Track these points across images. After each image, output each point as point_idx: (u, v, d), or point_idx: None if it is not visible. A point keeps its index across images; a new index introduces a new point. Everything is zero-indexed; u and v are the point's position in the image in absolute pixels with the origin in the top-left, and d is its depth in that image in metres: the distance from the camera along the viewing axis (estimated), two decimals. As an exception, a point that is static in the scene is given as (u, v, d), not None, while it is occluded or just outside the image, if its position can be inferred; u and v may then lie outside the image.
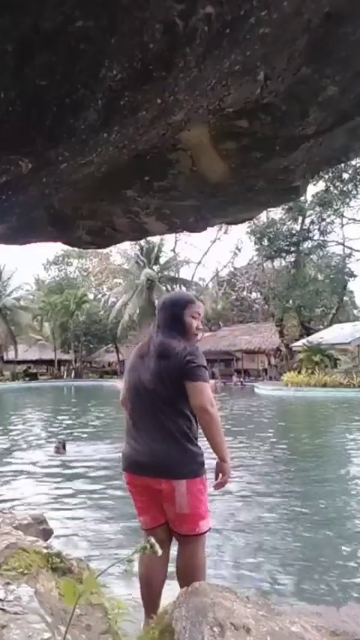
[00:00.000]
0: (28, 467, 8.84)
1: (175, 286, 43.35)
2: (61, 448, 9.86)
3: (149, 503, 2.41)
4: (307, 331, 36.29)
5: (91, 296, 48.57)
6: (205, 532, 2.41)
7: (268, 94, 1.77)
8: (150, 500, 2.40)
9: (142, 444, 2.39)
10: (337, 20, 1.59)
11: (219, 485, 2.42)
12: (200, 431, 2.40)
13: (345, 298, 42.44)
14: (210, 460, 2.42)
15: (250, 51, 1.45)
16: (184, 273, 51.77)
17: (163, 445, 2.32)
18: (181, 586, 2.20)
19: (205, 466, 2.41)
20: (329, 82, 1.81)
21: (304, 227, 35.76)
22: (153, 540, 1.39)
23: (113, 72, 1.24)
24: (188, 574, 2.30)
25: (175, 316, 2.49)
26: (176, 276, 44.69)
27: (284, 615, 1.79)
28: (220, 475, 2.40)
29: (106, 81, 1.25)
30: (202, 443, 2.40)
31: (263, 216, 33.94)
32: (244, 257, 69.23)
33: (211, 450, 2.41)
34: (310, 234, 35.91)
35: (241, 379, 36.14)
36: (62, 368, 46.71)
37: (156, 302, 38.97)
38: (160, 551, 1.38)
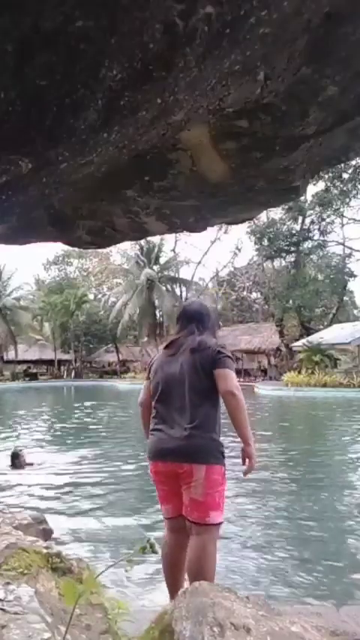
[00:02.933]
0: (28, 466, 8.83)
1: (175, 286, 43.34)
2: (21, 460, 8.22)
3: (172, 492, 2.53)
4: (307, 331, 36.32)
5: (91, 296, 48.58)
6: (217, 524, 2.45)
7: (268, 94, 1.77)
8: (172, 489, 2.52)
9: (170, 431, 2.51)
10: (337, 20, 1.59)
11: (247, 470, 2.51)
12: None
13: (345, 298, 42.46)
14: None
15: (250, 51, 1.45)
16: (184, 273, 51.70)
17: (190, 431, 2.45)
18: (190, 581, 2.33)
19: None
20: (329, 82, 1.81)
21: (304, 227, 35.79)
22: (153, 540, 1.39)
23: (113, 72, 1.24)
24: (197, 568, 2.37)
25: (213, 322, 2.83)
26: (176, 276, 44.65)
27: (284, 615, 1.79)
28: (247, 460, 2.49)
29: (106, 81, 1.25)
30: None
31: (263, 216, 33.98)
32: (244, 257, 69.23)
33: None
34: (310, 234, 35.95)
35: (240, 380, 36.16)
36: (62, 368, 46.71)
37: (156, 302, 39.31)
38: (159, 552, 1.38)
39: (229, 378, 2.47)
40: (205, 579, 2.23)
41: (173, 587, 2.51)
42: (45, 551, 2.09)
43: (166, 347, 2.78)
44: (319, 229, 35.63)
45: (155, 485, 2.64)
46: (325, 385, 25.59)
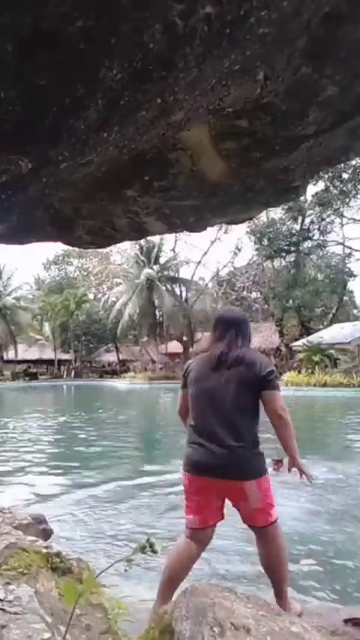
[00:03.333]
0: (28, 466, 8.84)
1: (175, 286, 43.32)
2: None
3: (205, 505, 2.59)
4: (307, 331, 36.32)
5: (91, 296, 48.57)
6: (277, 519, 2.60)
7: (268, 93, 1.77)
8: (207, 502, 2.58)
9: (213, 447, 2.52)
10: (337, 20, 1.59)
11: (309, 478, 2.65)
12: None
13: (345, 298, 42.46)
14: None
15: (250, 51, 1.44)
16: (184, 272, 51.67)
17: (236, 449, 2.50)
18: (271, 572, 2.59)
19: None
20: (329, 82, 1.81)
21: (303, 227, 35.80)
22: (152, 540, 1.39)
23: (113, 72, 1.24)
24: (275, 559, 2.58)
25: (250, 331, 2.86)
26: (176, 275, 44.63)
27: (284, 615, 1.79)
28: (296, 470, 2.63)
29: (106, 81, 1.25)
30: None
31: (263, 216, 33.99)
32: (244, 257, 69.16)
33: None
34: (310, 234, 35.97)
35: None
36: (62, 368, 46.70)
37: (156, 302, 39.26)
38: (158, 551, 1.38)
39: (278, 400, 2.56)
40: (284, 570, 2.60)
41: (167, 594, 2.52)
42: (45, 551, 2.09)
43: (207, 356, 2.73)
44: (318, 229, 35.67)
45: (187, 496, 2.66)
46: (325, 385, 25.60)
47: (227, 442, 2.50)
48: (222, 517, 2.66)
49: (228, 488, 2.54)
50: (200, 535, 2.63)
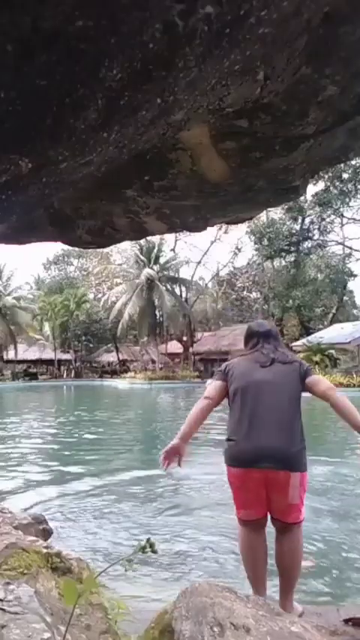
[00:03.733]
0: (28, 466, 8.84)
1: (175, 286, 43.34)
2: None
3: (255, 498, 2.63)
4: (307, 331, 36.32)
5: (91, 296, 48.58)
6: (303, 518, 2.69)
7: (268, 93, 1.77)
8: (257, 495, 2.62)
9: (261, 438, 2.59)
10: (337, 20, 1.59)
11: None
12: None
13: (345, 298, 42.49)
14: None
15: (250, 51, 1.44)
16: (184, 273, 51.71)
17: (286, 439, 2.59)
18: (286, 570, 2.65)
19: None
20: (329, 82, 1.81)
21: (303, 227, 35.81)
22: (152, 540, 1.39)
23: (113, 72, 1.24)
24: (294, 557, 2.65)
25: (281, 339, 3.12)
26: (176, 275, 44.65)
27: (284, 615, 1.79)
28: None
29: (106, 81, 1.25)
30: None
31: (263, 216, 33.99)
32: (244, 257, 69.14)
33: None
34: (310, 234, 35.99)
35: None
36: (62, 368, 46.71)
37: (156, 302, 39.27)
38: (158, 551, 1.38)
39: (323, 381, 2.82)
40: (298, 570, 2.68)
41: (259, 583, 2.67)
42: (45, 551, 2.09)
43: (253, 357, 2.88)
44: (318, 229, 35.67)
45: (237, 491, 2.69)
46: (324, 385, 25.58)
47: (277, 433, 2.58)
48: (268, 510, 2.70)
49: (273, 478, 2.55)
50: (255, 526, 2.69)
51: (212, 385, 2.90)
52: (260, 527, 2.70)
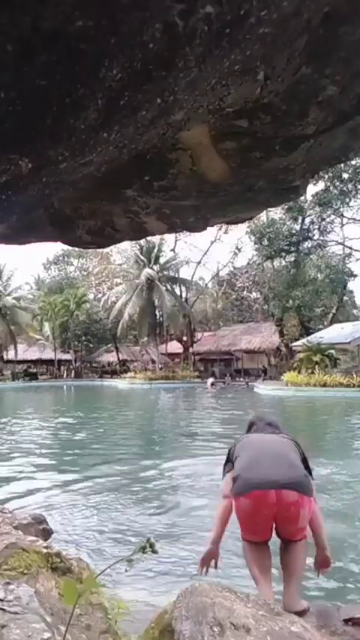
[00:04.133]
0: (28, 466, 8.84)
1: (175, 286, 43.33)
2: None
3: (265, 522, 2.69)
4: (307, 331, 36.32)
5: (91, 296, 48.59)
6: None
7: (268, 93, 1.77)
8: (267, 519, 2.68)
9: (269, 467, 2.71)
10: (337, 20, 1.59)
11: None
12: None
13: (345, 298, 42.48)
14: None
15: (250, 51, 1.44)
16: (184, 272, 51.74)
17: (295, 465, 2.74)
18: (291, 572, 2.70)
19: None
20: (329, 82, 1.81)
21: (303, 227, 35.77)
22: (152, 540, 1.39)
23: (113, 72, 1.24)
24: (299, 562, 2.72)
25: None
26: (176, 275, 44.64)
27: (284, 615, 1.79)
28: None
29: (106, 81, 1.25)
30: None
31: (263, 216, 33.96)
32: (244, 257, 69.15)
33: None
34: (310, 234, 35.94)
35: (247, 380, 35.97)
36: (62, 368, 46.71)
37: (156, 302, 39.25)
38: (158, 551, 1.39)
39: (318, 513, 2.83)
40: (302, 569, 2.75)
41: (266, 584, 2.71)
42: (45, 551, 2.09)
43: (251, 435, 3.14)
44: (318, 229, 35.63)
45: (249, 519, 2.72)
46: (325, 385, 25.60)
47: (287, 463, 2.72)
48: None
49: (289, 501, 2.60)
50: (264, 546, 2.79)
51: (225, 481, 2.92)
52: (265, 544, 2.78)
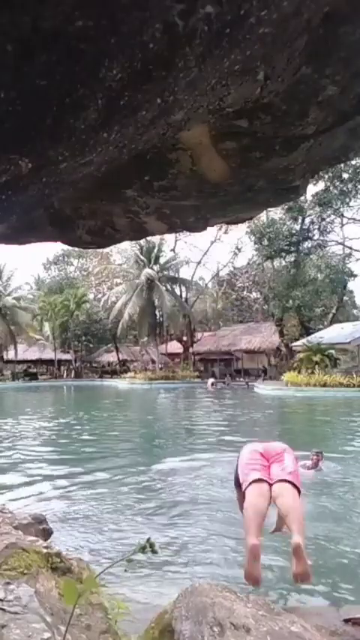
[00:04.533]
0: (28, 466, 8.84)
1: (175, 286, 43.32)
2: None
3: (265, 467, 3.45)
4: (307, 331, 36.34)
5: (91, 296, 48.57)
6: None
7: (268, 93, 1.77)
8: (266, 465, 3.47)
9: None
10: (337, 20, 1.59)
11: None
12: None
13: (345, 298, 42.49)
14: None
15: (250, 51, 1.44)
16: (184, 272, 51.72)
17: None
18: (294, 521, 3.06)
19: None
20: (329, 82, 1.81)
21: (303, 227, 35.78)
22: (152, 540, 1.39)
23: (113, 72, 1.24)
24: (298, 511, 3.15)
25: None
26: (176, 275, 44.63)
27: (284, 615, 1.79)
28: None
29: (106, 81, 1.25)
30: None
31: (263, 216, 33.97)
32: (244, 257, 69.11)
33: None
34: (310, 234, 35.94)
35: (247, 380, 35.94)
36: (62, 368, 46.70)
37: (156, 302, 39.26)
38: (158, 551, 1.39)
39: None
40: (303, 523, 3.14)
41: (256, 529, 3.10)
42: (45, 551, 2.09)
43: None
44: (318, 229, 35.64)
45: (253, 464, 3.48)
46: (325, 385, 25.59)
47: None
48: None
49: (278, 452, 3.54)
50: (262, 484, 3.27)
51: (239, 498, 3.56)
52: (265, 487, 3.27)
